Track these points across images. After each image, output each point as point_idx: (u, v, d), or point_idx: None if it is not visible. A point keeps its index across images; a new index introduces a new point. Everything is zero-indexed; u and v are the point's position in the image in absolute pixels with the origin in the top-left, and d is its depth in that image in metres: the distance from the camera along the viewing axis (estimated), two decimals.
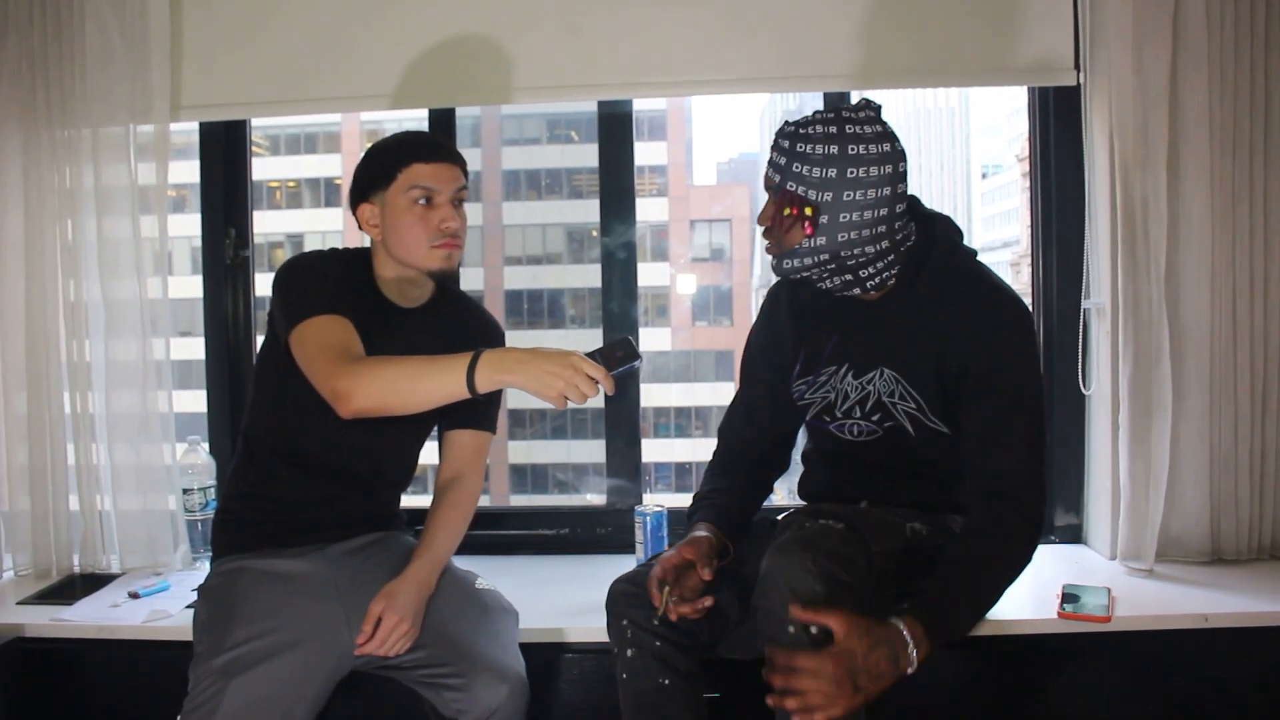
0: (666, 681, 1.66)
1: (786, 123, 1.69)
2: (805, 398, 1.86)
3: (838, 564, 1.53)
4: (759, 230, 1.75)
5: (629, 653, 1.69)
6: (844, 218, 1.64)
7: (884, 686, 1.49)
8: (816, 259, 1.68)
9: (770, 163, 1.70)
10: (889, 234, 1.68)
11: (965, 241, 1.82)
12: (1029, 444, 1.65)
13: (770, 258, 1.75)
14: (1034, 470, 1.66)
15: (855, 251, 1.67)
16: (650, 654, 1.67)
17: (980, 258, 1.82)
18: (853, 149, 1.62)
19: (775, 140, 1.69)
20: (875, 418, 1.78)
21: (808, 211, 1.65)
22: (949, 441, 1.76)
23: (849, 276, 1.71)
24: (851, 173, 1.62)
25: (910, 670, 1.51)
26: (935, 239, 1.75)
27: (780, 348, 1.90)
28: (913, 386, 1.74)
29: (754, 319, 2.01)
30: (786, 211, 1.67)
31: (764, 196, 1.74)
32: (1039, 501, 1.66)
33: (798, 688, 1.46)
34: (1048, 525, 2.44)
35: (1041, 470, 1.68)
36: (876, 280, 1.72)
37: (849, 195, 1.63)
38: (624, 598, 1.73)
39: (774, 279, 1.88)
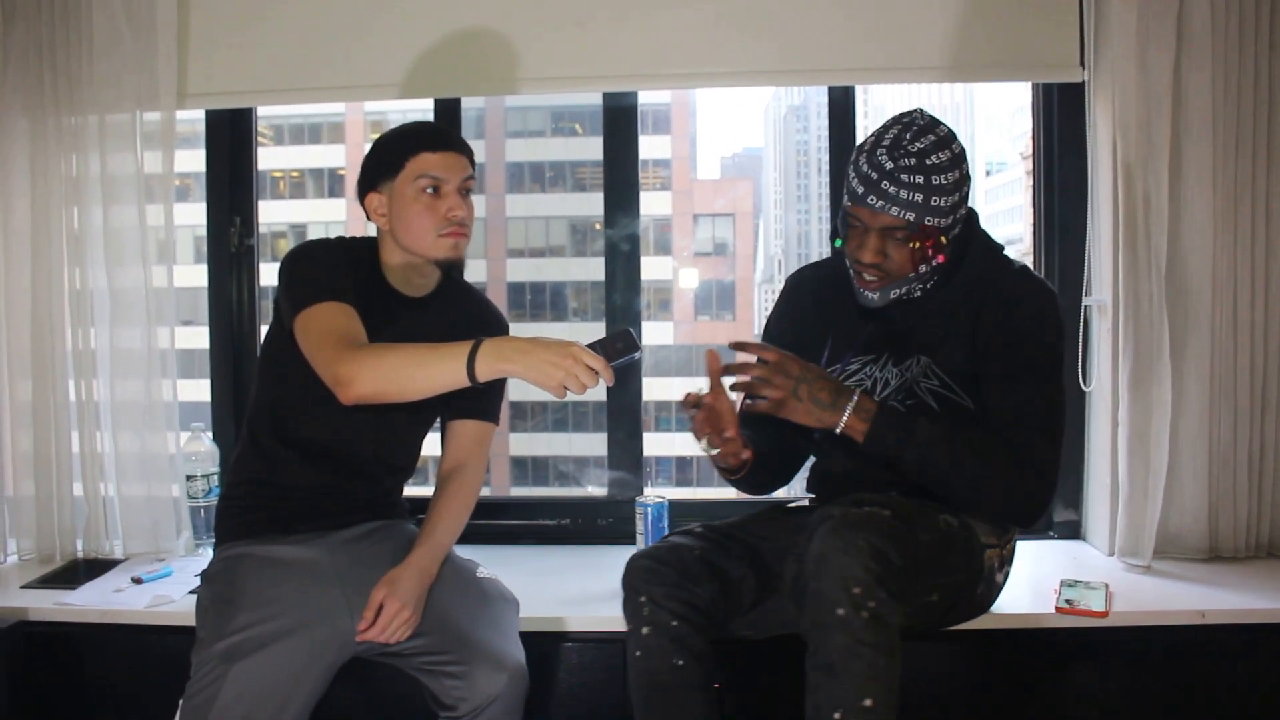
0: (680, 662, 1.63)
1: (903, 151, 1.66)
2: None
3: (891, 546, 1.53)
4: (836, 246, 1.79)
5: (644, 630, 1.66)
6: (953, 234, 1.73)
7: (812, 416, 1.65)
8: (919, 276, 1.74)
9: (895, 200, 1.66)
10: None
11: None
12: (1045, 399, 1.70)
13: (870, 292, 1.76)
14: (1048, 422, 1.69)
15: (940, 263, 1.74)
16: (667, 633, 1.64)
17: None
18: (964, 166, 1.71)
19: (894, 174, 1.66)
20: (899, 398, 1.79)
21: (943, 241, 1.70)
22: (971, 416, 1.79)
23: (919, 285, 1.77)
24: (963, 192, 1.71)
25: (835, 424, 1.66)
26: (975, 232, 1.81)
27: (806, 334, 1.90)
28: (942, 368, 1.77)
29: (769, 311, 2.02)
30: (916, 245, 1.69)
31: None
32: (1049, 455, 1.68)
33: (754, 373, 1.66)
34: (1046, 519, 2.45)
35: (1056, 428, 1.71)
36: (934, 280, 1.78)
37: (960, 213, 1.73)
38: (644, 573, 1.69)
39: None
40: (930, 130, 1.69)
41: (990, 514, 1.75)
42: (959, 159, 1.69)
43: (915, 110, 1.75)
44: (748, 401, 1.69)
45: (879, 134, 1.72)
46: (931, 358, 1.78)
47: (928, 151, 1.66)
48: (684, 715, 1.63)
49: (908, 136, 1.68)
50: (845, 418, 1.66)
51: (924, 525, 1.66)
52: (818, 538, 1.52)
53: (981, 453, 1.66)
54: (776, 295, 2.05)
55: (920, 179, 1.65)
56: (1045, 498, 1.70)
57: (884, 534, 1.52)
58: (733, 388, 1.73)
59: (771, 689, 1.89)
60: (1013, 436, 1.67)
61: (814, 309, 1.92)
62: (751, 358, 1.69)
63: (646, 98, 2.44)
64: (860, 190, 1.69)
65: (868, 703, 1.42)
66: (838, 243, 1.79)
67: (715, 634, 1.70)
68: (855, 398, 1.67)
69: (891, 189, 1.66)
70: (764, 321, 2.04)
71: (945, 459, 1.66)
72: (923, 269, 1.72)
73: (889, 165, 1.66)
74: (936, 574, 1.67)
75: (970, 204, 1.81)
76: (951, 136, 1.71)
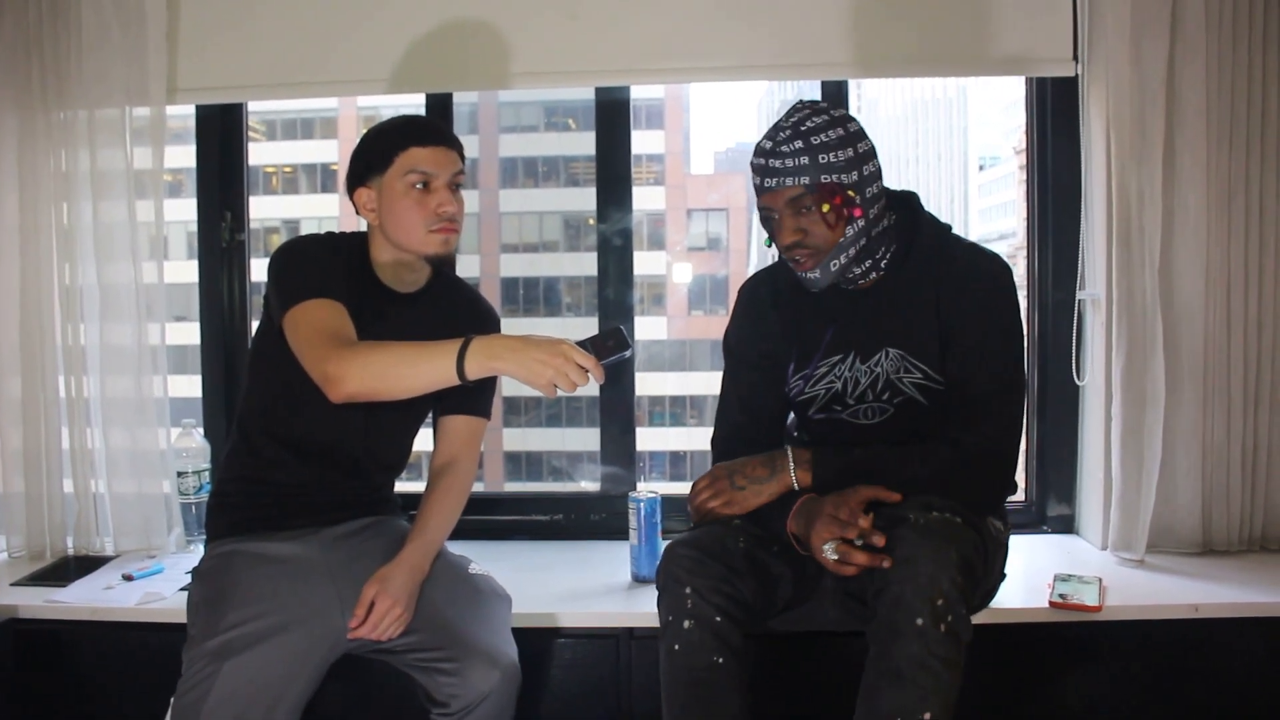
0: (720, 660, 1.57)
1: (779, 129, 1.71)
2: (805, 392, 1.84)
3: (976, 558, 1.54)
4: (768, 246, 1.80)
5: (685, 624, 1.59)
6: (869, 191, 1.72)
7: (762, 494, 1.71)
8: (857, 246, 1.72)
9: (784, 172, 1.69)
10: (887, 203, 1.77)
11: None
12: (1001, 386, 1.71)
13: (809, 273, 1.74)
14: (999, 421, 1.70)
15: (880, 227, 1.74)
16: (709, 628, 1.58)
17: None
18: (851, 125, 1.72)
19: (775, 150, 1.70)
20: (885, 396, 1.78)
21: (851, 194, 1.69)
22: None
23: (869, 261, 1.76)
24: (860, 147, 1.71)
25: (788, 486, 1.70)
26: (919, 215, 1.81)
27: (770, 341, 1.88)
28: (918, 359, 1.76)
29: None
30: (826, 207, 1.69)
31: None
32: (1003, 446, 1.72)
33: (698, 500, 1.76)
34: (1039, 514, 2.46)
35: (1008, 423, 1.73)
36: (886, 259, 1.77)
37: (865, 169, 1.71)
38: (687, 563, 1.63)
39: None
40: (805, 108, 1.73)
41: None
42: (839, 121, 1.71)
43: (801, 100, 1.79)
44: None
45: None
46: (903, 349, 1.77)
47: (802, 121, 1.70)
48: (721, 715, 1.58)
49: (783, 120, 1.73)
50: (793, 476, 1.70)
51: (986, 532, 1.68)
52: (906, 542, 1.50)
53: (926, 457, 1.69)
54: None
55: (800, 144, 1.68)
56: (1003, 486, 1.79)
57: (970, 545, 1.54)
58: (695, 521, 1.79)
59: (800, 683, 1.90)
60: (966, 433, 1.69)
61: (777, 316, 1.88)
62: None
63: (639, 92, 2.44)
64: (758, 181, 1.74)
65: (927, 716, 1.43)
66: (768, 243, 1.80)
67: (753, 629, 1.66)
68: (789, 453, 1.72)
69: (777, 163, 1.70)
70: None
71: (894, 471, 1.67)
72: (850, 231, 1.70)
73: (769, 145, 1.71)
74: (986, 580, 1.70)
75: (944, 205, 1.81)
76: (827, 108, 1.74)
